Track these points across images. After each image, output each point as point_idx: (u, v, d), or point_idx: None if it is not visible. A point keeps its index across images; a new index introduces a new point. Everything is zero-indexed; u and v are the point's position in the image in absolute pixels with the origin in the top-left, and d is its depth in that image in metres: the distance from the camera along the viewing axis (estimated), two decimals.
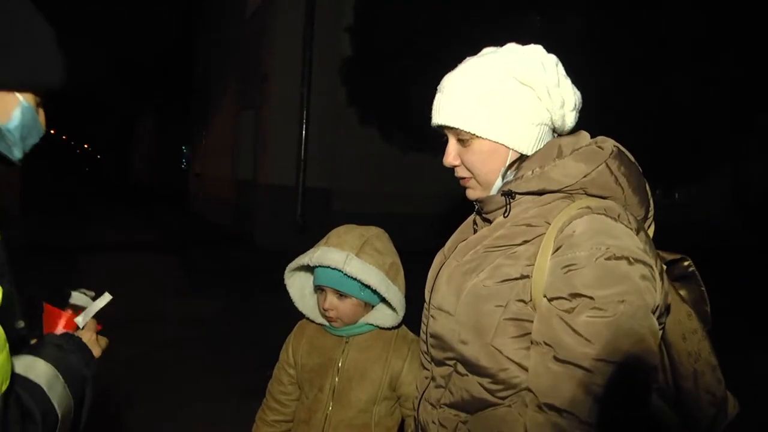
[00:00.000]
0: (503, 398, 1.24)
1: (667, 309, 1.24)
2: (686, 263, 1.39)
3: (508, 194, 1.29)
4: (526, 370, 1.19)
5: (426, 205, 9.67)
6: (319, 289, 1.90)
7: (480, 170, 1.33)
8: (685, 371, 1.29)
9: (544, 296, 1.18)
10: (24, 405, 0.89)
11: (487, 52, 1.34)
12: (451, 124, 1.30)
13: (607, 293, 1.10)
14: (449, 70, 1.35)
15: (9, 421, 0.82)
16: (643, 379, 1.13)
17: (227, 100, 14.14)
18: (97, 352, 1.22)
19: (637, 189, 1.27)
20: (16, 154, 1.10)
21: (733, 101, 8.56)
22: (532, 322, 1.20)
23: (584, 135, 1.33)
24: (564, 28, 7.66)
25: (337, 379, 1.90)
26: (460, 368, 1.30)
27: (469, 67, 1.31)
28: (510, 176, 1.31)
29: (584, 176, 1.23)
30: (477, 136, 1.29)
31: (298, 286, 2.01)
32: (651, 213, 1.31)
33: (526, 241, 1.24)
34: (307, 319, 2.02)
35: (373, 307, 1.91)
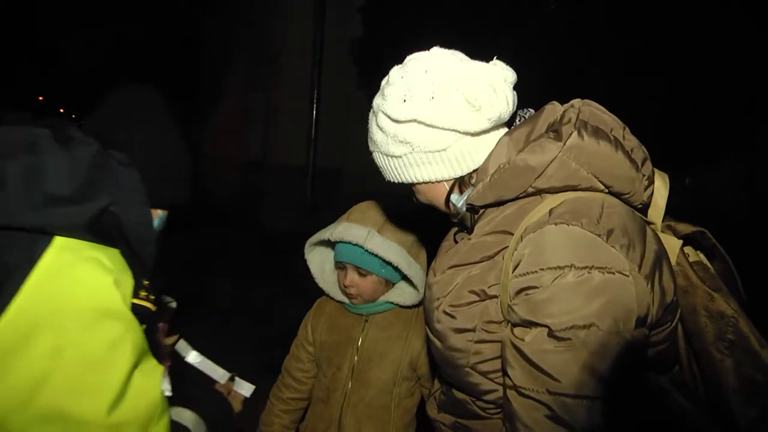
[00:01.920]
0: (493, 414, 1.19)
1: (669, 307, 1.09)
2: (708, 235, 1.21)
3: (471, 209, 1.20)
4: None
5: None
6: (339, 265, 1.89)
7: (433, 203, 1.28)
8: (712, 362, 1.11)
9: (508, 321, 1.09)
10: None
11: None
12: (386, 179, 1.27)
13: (567, 319, 0.98)
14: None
15: None
16: (621, 411, 1.01)
17: (236, 81, 14.07)
18: (237, 407, 1.55)
19: (618, 164, 1.09)
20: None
21: (746, 88, 8.42)
22: None
23: (545, 115, 1.17)
24: (579, 12, 7.57)
25: (356, 358, 1.89)
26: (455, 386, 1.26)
27: (368, 124, 1.26)
28: (470, 190, 1.20)
29: (539, 176, 1.09)
30: (407, 184, 1.25)
31: (318, 262, 1.99)
32: (645, 179, 1.13)
33: (487, 258, 1.14)
34: (327, 296, 2.01)
35: (393, 285, 1.89)
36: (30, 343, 0.92)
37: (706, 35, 7.88)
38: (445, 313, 1.17)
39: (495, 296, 1.12)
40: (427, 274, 1.32)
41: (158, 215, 1.29)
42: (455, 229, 1.34)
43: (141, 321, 1.05)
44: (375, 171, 1.31)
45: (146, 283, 1.11)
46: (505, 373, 1.08)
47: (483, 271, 1.14)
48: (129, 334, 1.01)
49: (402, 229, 1.82)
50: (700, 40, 7.91)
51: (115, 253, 1.06)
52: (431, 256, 1.81)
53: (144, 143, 1.19)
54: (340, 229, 1.81)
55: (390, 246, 1.76)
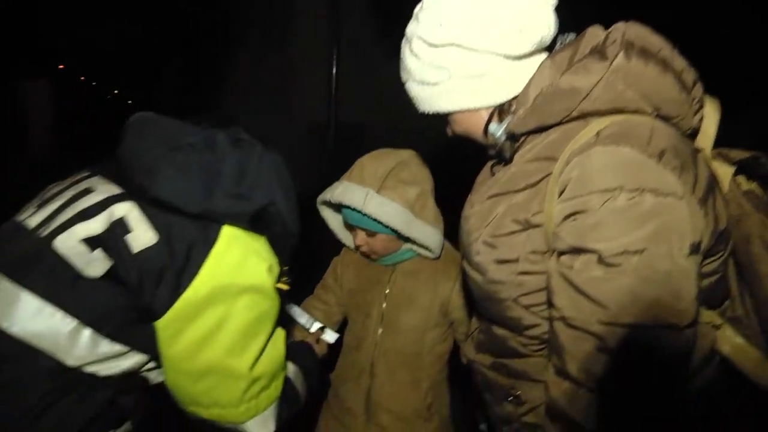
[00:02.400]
0: (535, 351, 1.14)
1: (721, 235, 1.03)
2: (763, 160, 1.12)
3: (511, 138, 1.13)
4: None
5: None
6: (348, 225, 1.84)
7: (469, 135, 1.22)
8: (767, 295, 1.06)
9: (553, 250, 1.03)
10: (287, 387, 1.37)
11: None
12: (420, 110, 1.22)
13: (618, 244, 0.92)
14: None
15: (284, 392, 1.34)
16: (673, 343, 0.94)
17: (252, 41, 13.91)
18: (321, 351, 1.77)
19: (666, 86, 1.02)
20: None
21: (748, 83, 8.14)
22: None
23: (588, 38, 1.09)
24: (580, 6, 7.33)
25: (384, 304, 1.84)
26: (495, 323, 1.22)
27: (401, 52, 1.20)
28: (510, 117, 1.13)
29: (584, 98, 1.02)
30: (443, 113, 1.19)
31: (338, 218, 1.93)
32: (695, 102, 1.07)
33: (530, 185, 1.08)
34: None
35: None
36: (203, 313, 1.10)
37: (707, 29, 7.69)
38: (486, 243, 1.12)
39: (539, 225, 1.05)
40: (460, 214, 1.26)
41: None
42: (491, 162, 1.27)
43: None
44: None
45: (286, 268, 1.29)
46: (550, 305, 1.03)
47: (526, 198, 1.08)
48: (273, 310, 1.23)
49: (405, 182, 1.72)
50: (701, 35, 7.72)
51: (265, 241, 1.24)
52: (447, 207, 1.75)
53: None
54: (339, 191, 1.73)
55: (388, 208, 1.67)
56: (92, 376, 1.06)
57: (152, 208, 1.10)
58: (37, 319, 1.02)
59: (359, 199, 1.67)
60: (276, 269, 1.23)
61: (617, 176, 0.94)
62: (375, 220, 1.68)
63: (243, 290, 1.14)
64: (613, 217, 0.94)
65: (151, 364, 1.18)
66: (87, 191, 1.14)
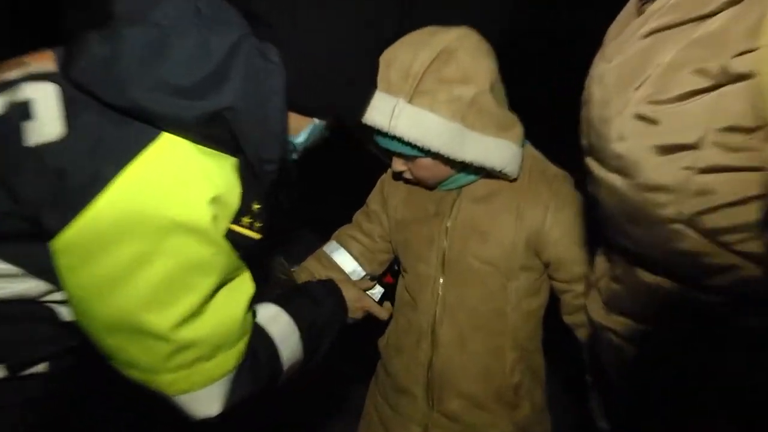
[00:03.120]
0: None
1: None
2: None
3: None
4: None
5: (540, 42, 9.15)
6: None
7: None
8: None
9: None
10: (257, 357, 1.11)
11: None
12: None
13: None
14: None
15: (243, 367, 1.07)
16: None
17: None
18: (357, 305, 1.41)
19: None
20: (293, 157, 1.18)
21: None
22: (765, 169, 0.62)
23: None
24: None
25: (446, 243, 1.34)
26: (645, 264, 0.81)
27: None
28: None
29: None
30: None
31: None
32: None
33: (725, 4, 0.65)
34: None
35: None
36: (113, 246, 0.90)
37: None
38: (639, 117, 0.69)
39: (745, 75, 0.60)
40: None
41: (313, 122, 1.13)
42: (630, 8, 0.81)
43: (237, 248, 1.01)
44: None
45: (256, 207, 1.03)
46: None
47: (717, 31, 0.64)
48: (216, 260, 0.97)
49: (450, 82, 1.14)
50: None
51: (229, 164, 0.99)
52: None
53: (308, 35, 1.04)
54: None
55: (426, 123, 1.13)
56: None
57: (82, 96, 0.90)
58: None
59: (384, 116, 1.14)
60: (230, 204, 0.97)
61: None
62: (410, 143, 1.15)
63: (172, 226, 0.90)
64: None
65: (58, 296, 0.99)
66: (20, 63, 0.98)
